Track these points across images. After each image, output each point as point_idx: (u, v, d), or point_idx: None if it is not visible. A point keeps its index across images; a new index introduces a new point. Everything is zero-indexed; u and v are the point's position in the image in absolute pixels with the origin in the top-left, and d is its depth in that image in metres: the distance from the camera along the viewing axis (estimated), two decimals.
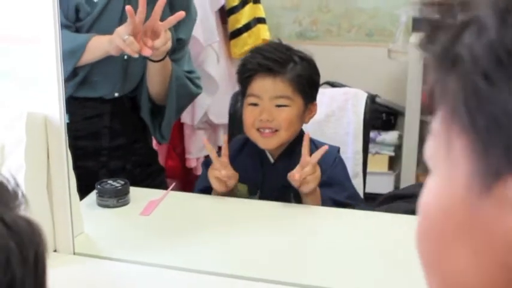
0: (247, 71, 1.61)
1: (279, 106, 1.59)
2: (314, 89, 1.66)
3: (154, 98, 1.75)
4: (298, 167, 1.51)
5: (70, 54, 1.54)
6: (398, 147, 2.98)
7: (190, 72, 1.80)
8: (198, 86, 1.81)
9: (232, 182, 1.57)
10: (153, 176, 1.82)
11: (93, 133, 1.71)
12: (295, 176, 1.50)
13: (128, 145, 1.76)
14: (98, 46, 1.61)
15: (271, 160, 1.66)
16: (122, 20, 1.62)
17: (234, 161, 1.62)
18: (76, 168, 1.31)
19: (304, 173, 1.49)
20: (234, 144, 1.72)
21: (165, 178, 1.91)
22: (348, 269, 1.24)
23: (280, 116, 1.58)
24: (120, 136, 1.74)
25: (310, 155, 1.54)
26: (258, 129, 1.60)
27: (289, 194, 1.61)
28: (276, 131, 1.59)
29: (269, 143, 1.61)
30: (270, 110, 1.58)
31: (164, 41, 1.54)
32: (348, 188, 1.67)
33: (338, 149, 1.69)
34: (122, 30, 1.51)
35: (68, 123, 1.24)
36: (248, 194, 1.65)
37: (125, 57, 1.68)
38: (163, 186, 1.82)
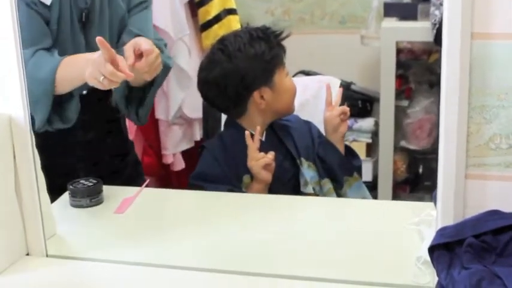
0: (276, 62, 1.70)
1: None
2: None
3: (130, 81, 1.62)
4: (336, 109, 1.74)
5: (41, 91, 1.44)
6: (375, 134, 2.98)
7: (159, 39, 1.70)
8: (168, 57, 1.69)
9: (274, 164, 1.64)
10: (130, 167, 1.79)
11: (64, 130, 1.66)
12: (344, 109, 1.73)
13: (101, 137, 1.72)
14: (73, 75, 1.47)
15: (262, 138, 1.72)
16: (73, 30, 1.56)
17: (230, 159, 1.66)
18: (50, 166, 1.28)
19: (345, 108, 1.74)
20: (212, 149, 1.73)
21: (142, 171, 1.88)
22: (332, 257, 1.23)
23: None
24: (92, 129, 1.70)
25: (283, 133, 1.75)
26: None
27: (288, 164, 1.71)
28: None
29: None
30: None
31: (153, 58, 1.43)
32: None
33: None
34: (96, 72, 1.34)
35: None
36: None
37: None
38: (140, 178, 1.80)
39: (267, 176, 1.63)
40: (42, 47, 1.51)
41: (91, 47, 1.52)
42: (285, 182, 1.70)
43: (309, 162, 1.73)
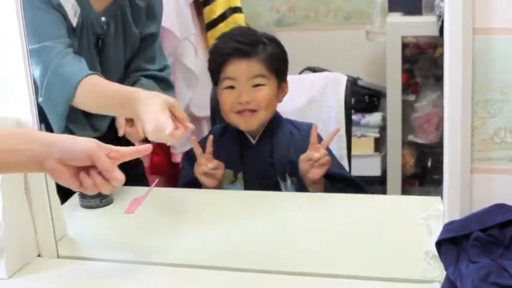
0: (221, 56, 1.65)
1: (255, 86, 1.63)
2: (285, 67, 1.71)
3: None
4: (308, 152, 1.56)
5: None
6: (382, 129, 2.98)
7: (165, 66, 1.71)
8: (171, 87, 1.70)
9: (219, 173, 1.60)
10: (131, 167, 1.79)
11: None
12: (313, 155, 1.54)
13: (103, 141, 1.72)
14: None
15: (253, 141, 1.69)
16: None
17: (215, 149, 1.63)
18: None
19: (323, 152, 1.55)
20: (213, 133, 1.73)
21: (144, 172, 1.89)
22: (340, 253, 1.24)
23: (258, 96, 1.63)
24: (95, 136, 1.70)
25: (293, 137, 1.66)
26: (237, 112, 1.64)
27: (273, 173, 1.65)
28: (255, 111, 1.63)
29: (250, 123, 1.65)
30: (248, 91, 1.63)
31: None
32: (336, 160, 1.72)
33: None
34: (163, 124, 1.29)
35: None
36: (234, 179, 1.67)
37: None
38: (143, 177, 1.81)
39: (208, 182, 1.59)
40: (65, 43, 1.46)
41: (105, 71, 1.54)
42: (268, 187, 1.65)
43: (293, 178, 1.66)
